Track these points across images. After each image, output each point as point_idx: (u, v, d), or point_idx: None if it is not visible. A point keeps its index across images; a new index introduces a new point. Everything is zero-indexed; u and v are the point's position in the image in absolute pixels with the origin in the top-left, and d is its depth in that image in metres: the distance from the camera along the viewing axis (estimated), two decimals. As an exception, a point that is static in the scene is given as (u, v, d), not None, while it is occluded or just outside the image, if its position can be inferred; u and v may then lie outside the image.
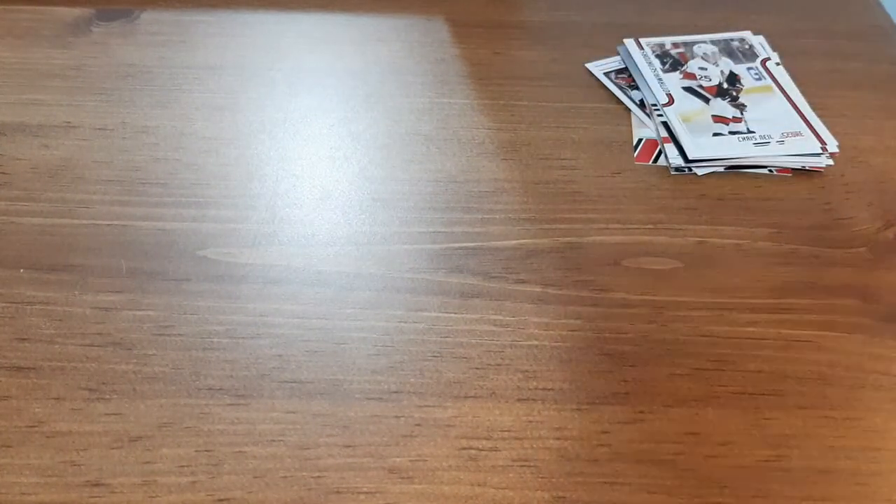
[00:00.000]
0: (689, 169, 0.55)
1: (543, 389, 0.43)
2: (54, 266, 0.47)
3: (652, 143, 0.56)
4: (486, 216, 0.51)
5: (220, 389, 0.42)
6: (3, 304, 0.46)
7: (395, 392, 0.43)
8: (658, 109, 0.58)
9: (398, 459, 0.40)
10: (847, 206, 0.53)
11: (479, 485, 0.39)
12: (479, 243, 0.50)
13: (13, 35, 0.62)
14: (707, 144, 0.55)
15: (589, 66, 0.62)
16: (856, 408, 0.43)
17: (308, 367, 0.43)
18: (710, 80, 0.60)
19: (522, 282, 0.48)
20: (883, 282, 0.48)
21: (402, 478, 0.40)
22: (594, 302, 0.47)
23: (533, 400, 0.43)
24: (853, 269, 0.49)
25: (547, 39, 0.65)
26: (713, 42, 0.63)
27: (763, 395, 0.43)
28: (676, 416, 0.42)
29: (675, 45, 0.63)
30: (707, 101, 0.58)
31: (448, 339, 0.45)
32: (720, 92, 0.59)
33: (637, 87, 0.60)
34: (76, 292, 0.46)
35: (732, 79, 0.60)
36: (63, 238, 0.49)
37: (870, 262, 0.49)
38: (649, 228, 0.51)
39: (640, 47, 0.63)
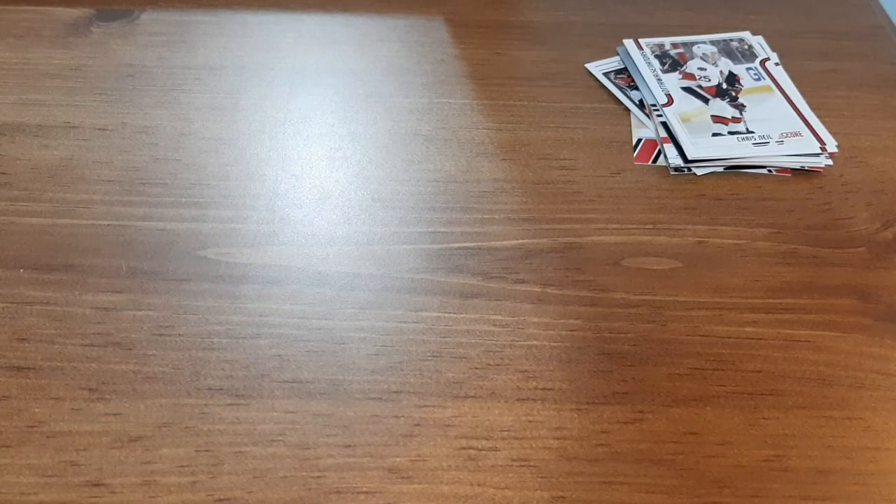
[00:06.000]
0: (689, 169, 0.55)
1: (543, 389, 0.43)
2: (54, 266, 0.47)
3: (651, 144, 0.56)
4: (485, 216, 0.51)
5: (220, 389, 0.42)
6: (3, 304, 0.46)
7: (395, 392, 0.43)
8: (657, 110, 0.58)
9: (398, 459, 0.40)
10: (846, 206, 0.53)
11: (478, 485, 0.39)
12: (479, 243, 0.50)
13: (13, 35, 0.63)
14: (706, 144, 0.55)
15: (588, 66, 0.62)
16: (855, 408, 0.43)
17: (308, 367, 0.43)
18: (710, 80, 0.60)
19: (522, 282, 0.48)
20: (882, 282, 0.49)
21: (402, 478, 0.40)
22: (594, 302, 0.47)
23: (532, 400, 0.43)
24: (852, 268, 0.49)
25: (547, 39, 0.65)
26: (712, 42, 0.63)
27: (762, 394, 0.43)
28: (676, 415, 0.42)
29: (675, 45, 0.63)
30: (706, 101, 0.58)
31: (448, 339, 0.45)
32: (719, 92, 0.59)
33: (636, 88, 0.60)
34: (76, 292, 0.46)
35: (731, 79, 0.60)
36: (63, 238, 0.49)
37: (869, 261, 0.50)
38: (648, 228, 0.51)
39: (640, 48, 0.63)
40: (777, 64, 0.62)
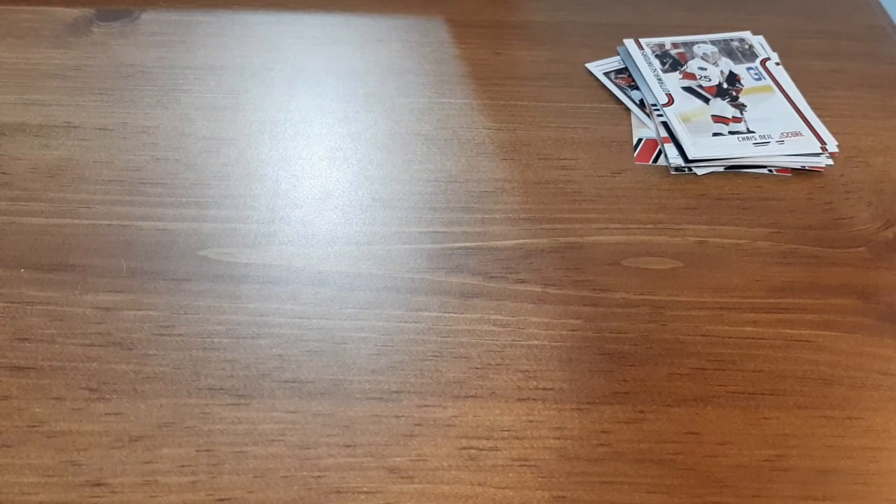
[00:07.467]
0: (689, 169, 0.55)
1: (543, 389, 0.43)
2: (54, 266, 0.47)
3: (652, 143, 0.56)
4: (486, 216, 0.51)
5: (221, 389, 0.42)
6: (3, 304, 0.46)
7: (396, 392, 0.43)
8: (658, 109, 0.58)
9: (398, 459, 0.40)
10: (846, 206, 0.53)
11: (479, 484, 0.39)
12: (479, 243, 0.50)
13: (13, 35, 0.63)
14: (707, 144, 0.55)
15: (589, 66, 0.62)
16: (855, 407, 0.43)
17: (308, 367, 0.43)
18: (710, 80, 0.60)
19: (522, 282, 0.48)
20: (882, 281, 0.49)
21: (402, 477, 0.40)
22: (594, 302, 0.47)
23: (533, 400, 0.43)
24: (853, 268, 0.49)
25: (547, 39, 0.65)
26: (713, 42, 0.63)
27: (763, 394, 0.43)
28: (676, 415, 0.42)
29: (675, 45, 0.63)
30: (707, 101, 0.58)
31: (448, 339, 0.45)
32: (720, 92, 0.59)
33: (637, 87, 0.60)
34: (76, 292, 0.46)
35: (732, 79, 0.60)
36: (63, 238, 0.49)
37: (869, 261, 0.50)
38: (649, 228, 0.51)
39: (640, 47, 0.63)
40: (777, 64, 0.62)
